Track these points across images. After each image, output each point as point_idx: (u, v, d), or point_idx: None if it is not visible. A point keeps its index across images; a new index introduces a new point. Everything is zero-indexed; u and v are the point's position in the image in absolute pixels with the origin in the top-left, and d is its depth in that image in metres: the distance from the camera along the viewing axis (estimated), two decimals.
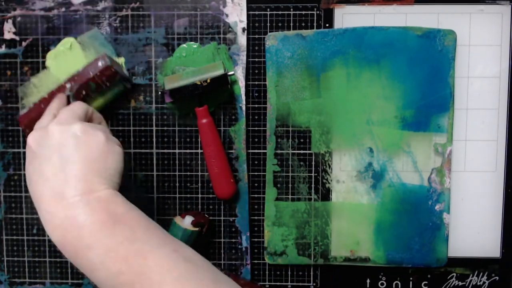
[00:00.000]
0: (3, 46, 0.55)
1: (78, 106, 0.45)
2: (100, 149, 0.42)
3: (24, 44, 0.55)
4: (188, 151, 0.55)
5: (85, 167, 0.41)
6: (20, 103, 0.55)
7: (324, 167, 0.54)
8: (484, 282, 0.56)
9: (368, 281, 0.56)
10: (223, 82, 0.51)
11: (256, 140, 0.55)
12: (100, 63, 0.49)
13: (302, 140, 0.54)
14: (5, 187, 0.56)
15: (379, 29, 0.52)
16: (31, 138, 0.42)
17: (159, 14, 0.54)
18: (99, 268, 0.38)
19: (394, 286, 0.56)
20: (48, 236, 0.56)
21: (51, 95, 0.49)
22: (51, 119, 0.44)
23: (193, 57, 0.53)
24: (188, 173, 0.55)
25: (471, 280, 0.56)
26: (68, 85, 0.49)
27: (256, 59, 0.54)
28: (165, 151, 0.55)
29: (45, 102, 0.49)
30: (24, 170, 0.56)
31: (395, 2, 0.53)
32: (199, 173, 0.55)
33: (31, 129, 0.49)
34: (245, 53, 0.54)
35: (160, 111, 0.55)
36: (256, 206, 0.56)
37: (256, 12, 0.54)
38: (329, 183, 0.54)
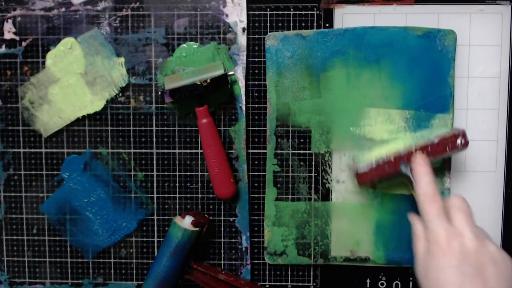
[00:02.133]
0: (3, 46, 0.55)
1: (470, 210, 0.45)
2: (510, 280, 0.42)
3: (24, 44, 0.55)
4: (188, 151, 0.55)
5: None
6: (20, 103, 0.55)
7: (324, 167, 0.54)
8: None
9: (368, 281, 0.56)
10: (223, 82, 0.51)
11: (256, 140, 0.55)
12: (459, 141, 0.48)
13: (302, 140, 0.54)
14: (5, 187, 0.56)
15: (379, 29, 0.52)
16: (442, 237, 0.43)
17: (159, 14, 0.54)
18: None
19: (394, 286, 0.56)
20: (48, 236, 0.56)
21: (397, 160, 0.49)
22: (445, 223, 0.44)
23: (193, 57, 0.53)
24: (188, 173, 0.55)
25: None
26: (418, 154, 0.48)
27: (256, 59, 0.54)
28: (165, 151, 0.55)
29: (390, 165, 0.49)
30: (22, 171, 0.56)
31: (395, 2, 0.53)
32: (199, 173, 0.55)
33: (365, 185, 0.51)
34: (245, 53, 0.54)
35: (160, 111, 0.55)
36: (256, 206, 0.56)
37: (256, 12, 0.54)
38: (329, 183, 0.54)
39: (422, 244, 0.45)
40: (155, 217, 0.56)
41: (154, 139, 0.55)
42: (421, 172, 0.47)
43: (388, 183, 0.52)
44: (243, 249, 0.56)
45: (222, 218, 0.56)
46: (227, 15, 0.54)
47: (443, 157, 0.49)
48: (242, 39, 0.54)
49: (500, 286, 0.41)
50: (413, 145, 0.49)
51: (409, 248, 0.53)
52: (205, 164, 0.55)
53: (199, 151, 0.55)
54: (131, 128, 0.55)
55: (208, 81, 0.50)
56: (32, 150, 0.56)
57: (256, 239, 0.56)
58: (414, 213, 0.48)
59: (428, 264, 0.44)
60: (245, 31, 0.54)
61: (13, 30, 0.54)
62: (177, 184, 0.55)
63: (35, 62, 0.55)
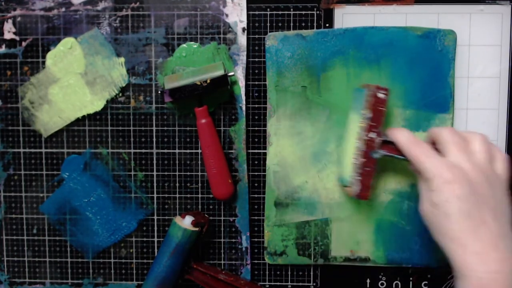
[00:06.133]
0: (3, 46, 0.55)
1: (459, 135, 0.45)
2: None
3: (24, 44, 0.55)
4: (188, 151, 0.55)
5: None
6: (20, 103, 0.55)
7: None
8: None
9: (368, 281, 0.56)
10: (223, 83, 0.51)
11: (256, 140, 0.55)
12: (381, 95, 0.48)
13: None
14: (5, 187, 0.56)
15: (379, 29, 0.52)
16: (441, 169, 0.43)
17: (159, 14, 0.54)
18: None
19: (394, 286, 0.56)
20: (48, 236, 0.56)
21: (366, 155, 0.48)
22: (438, 158, 0.44)
23: (193, 57, 0.53)
24: (188, 173, 0.55)
25: None
26: (372, 135, 0.48)
27: (256, 59, 0.54)
28: (165, 151, 0.55)
29: (367, 164, 0.48)
30: (22, 171, 0.56)
31: (395, 2, 0.53)
32: (199, 173, 0.55)
33: (368, 196, 0.50)
34: (245, 53, 0.54)
35: (160, 111, 0.55)
36: (256, 206, 0.56)
37: (256, 12, 0.54)
38: (329, 182, 0.54)
39: (424, 183, 0.45)
40: (155, 217, 0.56)
41: (154, 139, 0.55)
42: (398, 132, 0.47)
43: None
44: (243, 249, 0.56)
45: (222, 218, 0.56)
46: (227, 15, 0.54)
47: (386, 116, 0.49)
48: (242, 39, 0.54)
49: (505, 211, 0.43)
50: (362, 134, 0.48)
51: (409, 248, 0.54)
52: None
53: (199, 151, 0.55)
54: (131, 128, 0.55)
55: (208, 81, 0.50)
56: (32, 150, 0.56)
57: (256, 239, 0.56)
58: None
59: (434, 199, 0.43)
60: (245, 31, 0.54)
61: (13, 30, 0.54)
62: (177, 184, 0.55)
63: (35, 62, 0.55)
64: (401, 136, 0.47)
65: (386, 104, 0.48)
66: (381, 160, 0.49)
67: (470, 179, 0.42)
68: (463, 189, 0.42)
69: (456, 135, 0.45)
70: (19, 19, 0.54)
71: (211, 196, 0.55)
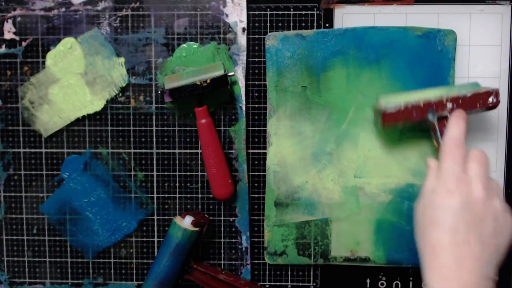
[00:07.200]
0: (3, 46, 0.55)
1: (487, 164, 0.44)
2: (508, 238, 0.43)
3: (24, 44, 0.55)
4: (188, 151, 0.55)
5: (494, 254, 0.42)
6: (20, 103, 0.55)
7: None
8: None
9: (368, 281, 0.56)
10: (223, 83, 0.51)
11: (256, 140, 0.55)
12: (491, 99, 0.48)
13: None
14: (5, 187, 0.56)
15: (379, 29, 0.52)
16: (451, 178, 0.42)
17: (159, 14, 0.54)
18: None
19: (394, 286, 0.56)
20: (48, 236, 0.56)
21: (426, 106, 0.47)
22: (460, 168, 0.43)
23: (193, 57, 0.53)
24: (188, 173, 0.55)
25: None
26: (449, 105, 0.47)
27: (256, 59, 0.54)
28: (165, 151, 0.55)
29: (418, 110, 0.48)
30: (22, 171, 0.56)
31: (395, 2, 0.53)
32: (199, 173, 0.55)
33: (389, 126, 0.49)
34: (245, 53, 0.54)
35: (160, 111, 0.55)
36: (256, 206, 0.56)
37: (256, 12, 0.54)
38: (329, 182, 0.54)
39: (431, 182, 0.45)
40: (155, 217, 0.56)
41: (154, 139, 0.55)
42: (457, 120, 0.46)
43: (410, 128, 0.52)
44: (243, 249, 0.56)
45: (222, 218, 0.56)
46: (227, 15, 0.54)
47: (472, 113, 0.48)
48: (242, 39, 0.54)
49: (492, 243, 0.42)
50: (445, 95, 0.48)
51: (409, 248, 0.53)
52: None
53: (199, 151, 0.55)
54: (131, 128, 0.55)
55: (208, 81, 0.50)
56: (32, 150, 0.56)
57: (256, 239, 0.56)
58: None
59: (429, 202, 0.43)
60: (245, 31, 0.54)
61: (13, 30, 0.54)
62: (177, 184, 0.55)
63: (35, 62, 0.55)
64: (454, 127, 0.46)
65: (483, 109, 0.48)
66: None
67: (472, 197, 0.42)
68: (461, 203, 0.42)
69: (484, 156, 0.45)
70: (19, 19, 0.54)
71: (211, 196, 0.55)
